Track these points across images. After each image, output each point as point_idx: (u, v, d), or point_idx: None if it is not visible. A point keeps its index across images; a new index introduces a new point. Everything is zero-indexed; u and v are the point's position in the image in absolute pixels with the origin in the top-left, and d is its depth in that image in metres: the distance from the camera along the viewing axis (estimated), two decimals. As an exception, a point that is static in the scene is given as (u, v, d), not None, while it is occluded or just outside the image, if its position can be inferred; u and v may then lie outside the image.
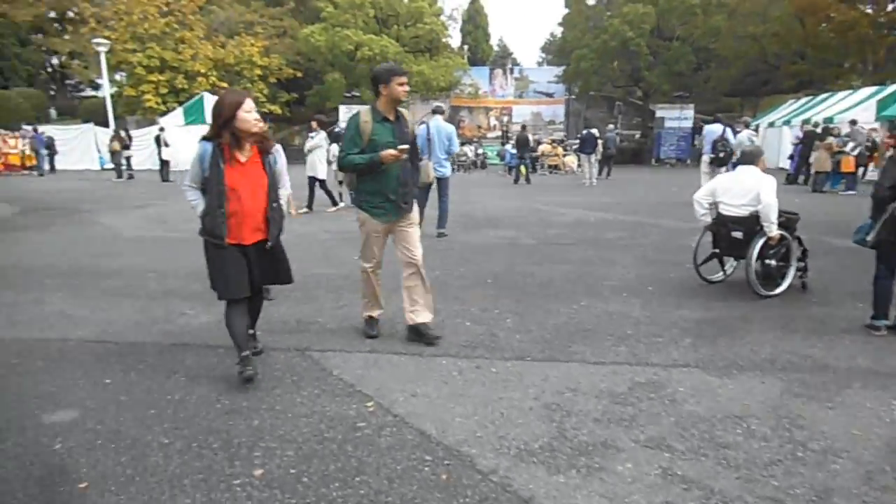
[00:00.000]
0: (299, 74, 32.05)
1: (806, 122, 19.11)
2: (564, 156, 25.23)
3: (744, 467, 2.56)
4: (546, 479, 2.46)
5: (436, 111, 8.38)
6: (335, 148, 12.17)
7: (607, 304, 5.03)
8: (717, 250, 5.71)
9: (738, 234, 5.39)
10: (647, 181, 20.09)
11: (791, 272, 5.35)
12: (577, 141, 28.72)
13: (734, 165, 11.38)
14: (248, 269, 3.33)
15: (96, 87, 39.86)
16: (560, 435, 2.82)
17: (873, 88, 18.67)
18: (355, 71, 30.73)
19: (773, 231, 5.07)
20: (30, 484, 2.41)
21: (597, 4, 34.71)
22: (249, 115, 3.20)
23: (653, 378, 3.51)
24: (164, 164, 19.37)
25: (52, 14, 39.57)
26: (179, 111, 25.63)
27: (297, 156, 12.13)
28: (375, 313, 4.24)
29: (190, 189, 3.33)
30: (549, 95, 36.73)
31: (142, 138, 23.29)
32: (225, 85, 29.70)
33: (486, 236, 8.48)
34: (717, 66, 31.14)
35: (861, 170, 15.69)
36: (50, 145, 23.58)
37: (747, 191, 5.23)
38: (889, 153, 11.13)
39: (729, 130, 11.97)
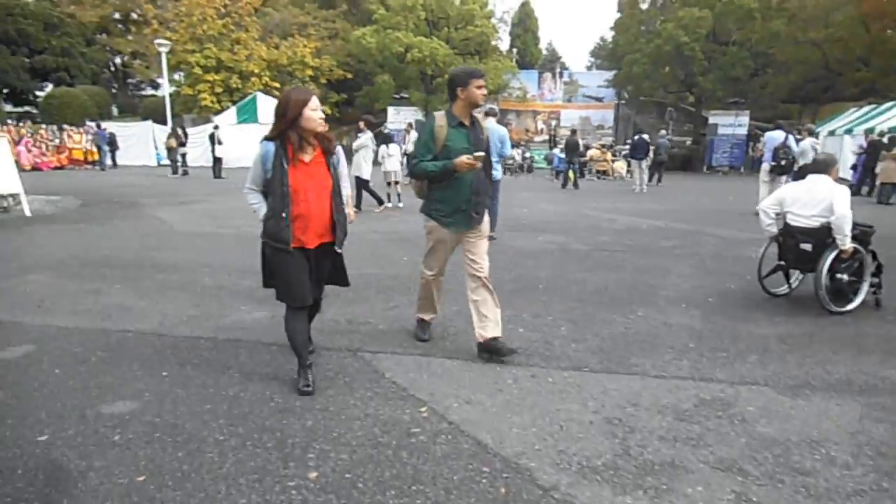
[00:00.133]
0: (349, 76, 32.48)
1: (870, 131, 18.21)
2: (613, 161, 24.77)
3: (825, 497, 2.38)
4: (611, 498, 2.33)
5: (489, 113, 8.27)
6: (384, 149, 12.23)
7: (665, 315, 4.84)
8: (782, 262, 5.43)
9: (806, 246, 5.11)
10: (699, 189, 19.52)
11: (864, 288, 5.04)
12: (627, 146, 28.32)
13: (796, 174, 11.01)
14: (309, 273, 3.23)
15: (156, 86, 41.40)
16: (624, 452, 2.68)
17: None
18: (404, 73, 30.93)
19: (847, 244, 4.80)
20: (90, 474, 2.43)
21: (650, 8, 33.97)
22: (315, 114, 3.08)
23: (719, 395, 3.33)
24: (217, 161, 19.87)
25: (117, 15, 41.26)
26: (233, 110, 26.30)
27: (345, 155, 12.22)
28: (428, 317, 4.15)
29: (251, 191, 3.23)
30: (599, 100, 36.21)
31: (196, 136, 23.96)
32: (277, 85, 30.37)
33: (535, 241, 8.33)
34: (775, 72, 30.07)
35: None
36: (112, 141, 24.52)
37: (819, 201, 4.96)
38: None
39: (791, 138, 11.50)
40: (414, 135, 20.48)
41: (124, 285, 5.54)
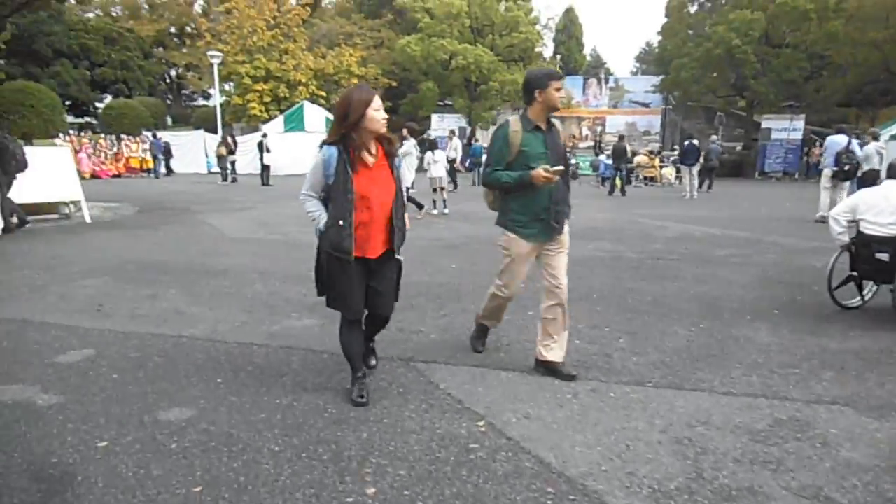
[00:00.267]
0: (394, 84, 32.77)
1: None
2: (661, 167, 24.20)
3: (927, 533, 2.17)
4: (688, 527, 2.18)
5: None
6: (430, 156, 12.21)
7: (729, 328, 4.61)
8: (855, 273, 5.12)
9: (883, 256, 4.81)
10: (752, 195, 18.83)
11: (947, 301, 4.70)
12: (674, 152, 27.62)
13: (860, 180, 10.46)
14: (366, 283, 3.08)
15: (207, 96, 42.69)
16: (697, 475, 2.51)
17: None
18: (449, 80, 31.02)
19: (929, 254, 4.48)
20: (148, 483, 2.41)
21: (699, 12, 33.20)
22: (378, 114, 2.92)
23: (795, 415, 3.12)
24: (266, 168, 20.27)
25: (173, 29, 42.89)
26: (280, 119, 26.87)
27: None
28: (491, 324, 3.97)
29: (309, 198, 3.05)
30: (645, 105, 35.61)
31: (245, 144, 24.53)
32: (324, 94, 30.88)
33: (585, 249, 8.13)
34: (831, 75, 28.85)
35: None
36: (167, 150, 25.34)
37: (896, 208, 4.66)
38: None
39: (855, 142, 10.97)
40: (456, 142, 20.49)
41: (179, 290, 5.62)
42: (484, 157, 23.77)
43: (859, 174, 10.68)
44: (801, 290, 5.82)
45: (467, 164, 22.78)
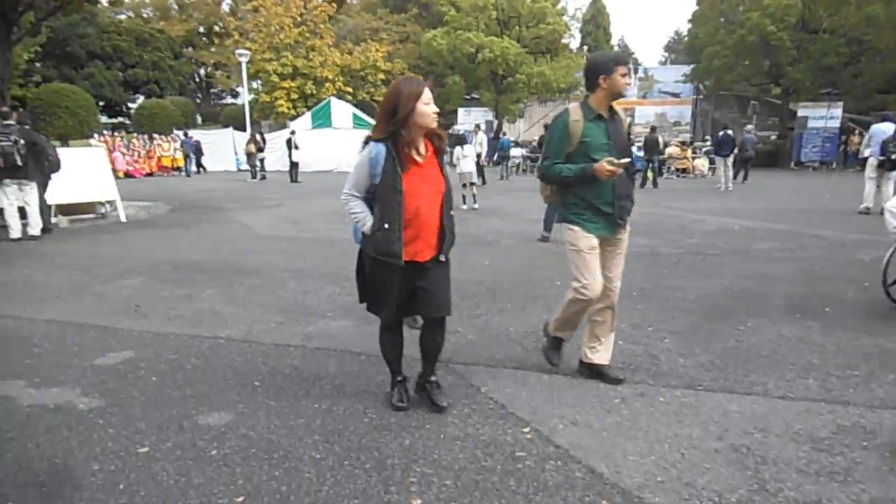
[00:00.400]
0: (421, 78, 32.70)
1: None
2: (694, 158, 23.67)
3: None
4: (756, 545, 2.05)
5: (571, 111, 7.95)
6: (459, 150, 12.09)
7: (779, 327, 4.41)
8: (912, 268, 4.88)
9: (944, 251, 4.56)
10: (789, 186, 18.32)
11: None
12: (706, 142, 27.02)
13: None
14: (414, 284, 2.86)
15: (235, 94, 43.28)
16: (760, 487, 2.37)
17: None
18: (475, 73, 30.85)
19: None
20: (190, 492, 2.36)
21: (730, -1, 32.36)
22: (429, 108, 2.69)
23: (859, 421, 2.94)
24: (294, 165, 20.39)
25: (202, 29, 43.46)
26: (308, 115, 27.01)
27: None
28: (567, 335, 3.55)
29: (353, 198, 2.84)
30: (676, 95, 34.93)
31: (273, 141, 24.72)
32: (350, 90, 30.97)
33: (620, 244, 7.94)
34: (870, 61, 27.80)
35: None
36: (198, 148, 25.69)
37: (959, 200, 4.40)
38: None
39: (903, 130, 10.50)
40: (482, 136, 20.31)
41: (214, 290, 5.62)
42: (512, 151, 23.65)
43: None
44: (851, 286, 5.56)
45: (495, 157, 22.58)
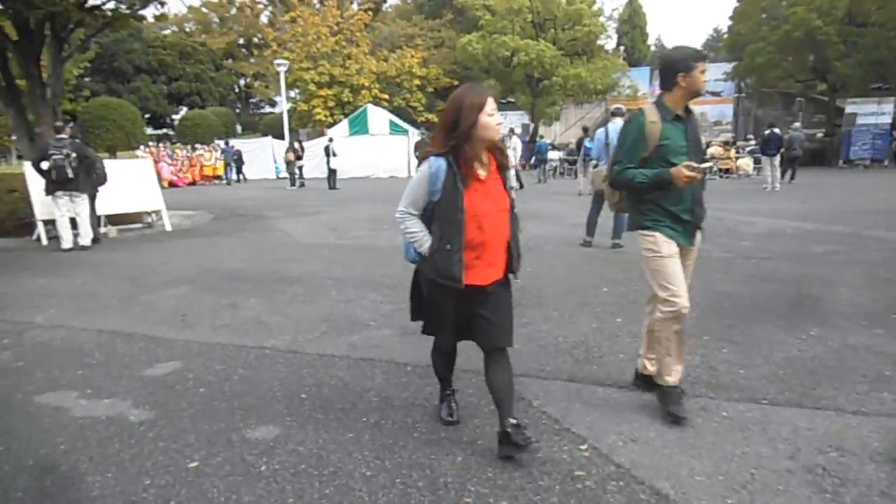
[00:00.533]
0: (456, 83, 32.74)
1: None
2: (738, 158, 23.01)
3: None
4: (844, 580, 1.89)
5: (615, 113, 7.78)
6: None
7: (845, 335, 4.17)
8: None
9: None
10: (840, 185, 17.62)
11: None
12: (749, 141, 26.21)
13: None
14: (474, 312, 2.66)
15: (273, 103, 44.10)
16: (842, 514, 2.21)
17: None
18: (511, 77, 30.69)
19: None
20: (241, 509, 2.32)
21: (773, -6, 31.42)
22: (493, 120, 2.47)
23: (945, 441, 2.73)
24: (332, 172, 20.58)
25: (241, 41, 44.51)
26: (345, 123, 27.29)
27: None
28: (675, 377, 3.05)
29: (409, 216, 2.63)
30: (716, 94, 34.03)
31: (311, 149, 25.04)
32: (386, 97, 31.18)
33: (667, 248, 7.70)
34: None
35: None
36: (239, 157, 26.21)
37: None
38: None
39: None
40: (516, 141, 20.08)
41: (257, 299, 5.64)
42: (549, 154, 23.36)
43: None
44: (920, 291, 5.26)
45: (532, 161, 22.35)
